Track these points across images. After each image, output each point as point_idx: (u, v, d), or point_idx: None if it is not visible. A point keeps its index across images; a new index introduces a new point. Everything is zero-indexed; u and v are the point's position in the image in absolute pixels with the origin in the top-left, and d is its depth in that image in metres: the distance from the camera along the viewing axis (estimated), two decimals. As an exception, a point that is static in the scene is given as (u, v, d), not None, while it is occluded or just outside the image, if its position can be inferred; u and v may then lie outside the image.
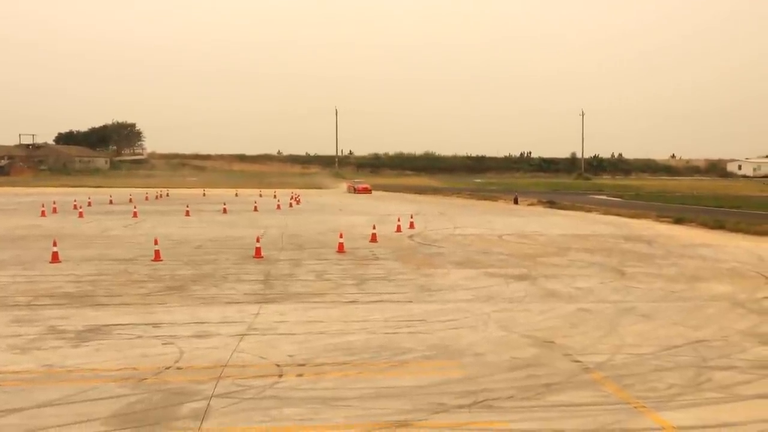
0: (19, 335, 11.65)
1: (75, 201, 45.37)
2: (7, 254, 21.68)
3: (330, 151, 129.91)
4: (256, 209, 42.82)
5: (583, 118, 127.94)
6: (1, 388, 8.98)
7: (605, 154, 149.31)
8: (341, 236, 23.92)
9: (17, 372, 9.65)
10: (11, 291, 15.63)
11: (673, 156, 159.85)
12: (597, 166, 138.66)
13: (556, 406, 8.46)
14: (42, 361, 10.17)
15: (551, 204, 49.01)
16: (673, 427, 7.79)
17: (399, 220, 31.59)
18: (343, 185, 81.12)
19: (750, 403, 8.68)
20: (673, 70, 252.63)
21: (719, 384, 9.38)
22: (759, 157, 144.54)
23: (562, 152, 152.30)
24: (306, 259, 21.31)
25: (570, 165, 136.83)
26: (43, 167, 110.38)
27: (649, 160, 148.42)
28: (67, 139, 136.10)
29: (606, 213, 41.63)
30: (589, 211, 43.45)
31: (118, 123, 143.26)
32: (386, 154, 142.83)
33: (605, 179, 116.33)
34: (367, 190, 68.50)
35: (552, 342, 11.53)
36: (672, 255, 22.69)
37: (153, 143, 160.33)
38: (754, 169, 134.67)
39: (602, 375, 9.74)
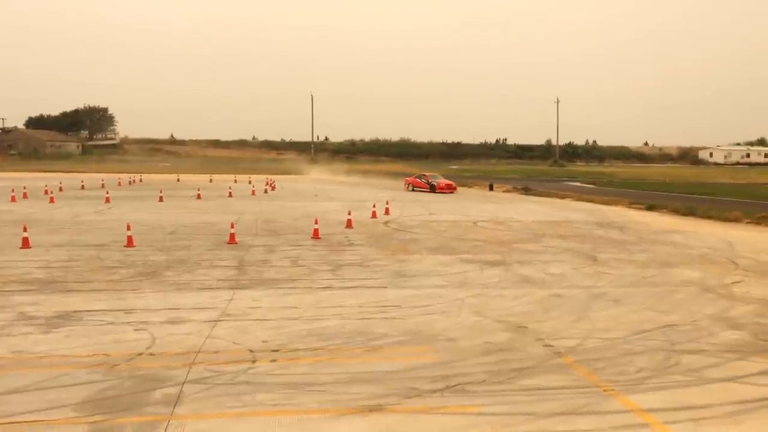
0: (-12, 322, 11.48)
1: (46, 186, 44.71)
2: (-25, 240, 21.30)
3: (306, 137, 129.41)
4: (230, 195, 42.54)
5: (558, 105, 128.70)
6: (-31, 375, 8.85)
7: (580, 141, 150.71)
8: (316, 222, 23.87)
9: (-14, 359, 9.52)
10: (-20, 277, 15.38)
11: (646, 143, 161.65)
12: (572, 153, 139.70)
13: (527, 390, 8.56)
14: (12, 348, 10.03)
15: (526, 191, 49.34)
16: (642, 410, 7.92)
17: (374, 206, 31.59)
18: (313, 171, 79.30)
19: (717, 386, 8.85)
20: (647, 59, 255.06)
21: (687, 367, 9.55)
22: (730, 145, 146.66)
23: (537, 139, 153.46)
24: (281, 245, 21.24)
25: (545, 152, 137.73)
26: (12, 152, 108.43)
27: (622, 147, 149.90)
28: (37, 123, 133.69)
29: (580, 200, 42.04)
30: (563, 197, 43.84)
31: (89, 107, 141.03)
32: (362, 141, 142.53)
33: (579, 166, 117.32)
34: (450, 189, 48.60)
35: (525, 327, 11.64)
36: (644, 241, 22.99)
37: (126, 128, 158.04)
38: (725, 157, 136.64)
39: (573, 359, 9.86)
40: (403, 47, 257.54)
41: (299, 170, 79.22)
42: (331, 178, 69.68)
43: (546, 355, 10.08)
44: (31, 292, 13.86)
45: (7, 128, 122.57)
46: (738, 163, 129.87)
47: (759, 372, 9.40)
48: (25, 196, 38.90)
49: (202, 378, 8.83)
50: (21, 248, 19.48)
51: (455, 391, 8.51)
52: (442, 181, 49.28)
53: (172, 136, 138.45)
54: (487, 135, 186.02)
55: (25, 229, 20.57)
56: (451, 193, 47.73)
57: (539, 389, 8.61)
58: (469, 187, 56.11)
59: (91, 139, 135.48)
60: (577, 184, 60.14)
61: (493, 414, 7.77)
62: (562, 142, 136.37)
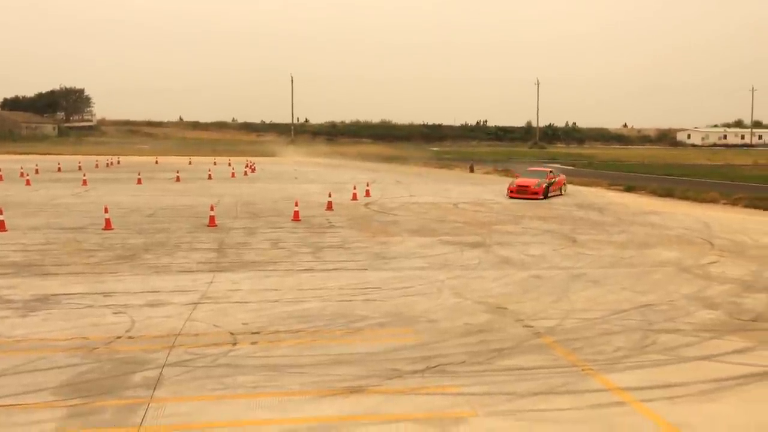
0: (-36, 306, 11.34)
1: (22, 168, 44.08)
2: (-50, 223, 20.97)
3: (286, 118, 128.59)
4: (210, 177, 42.23)
5: (539, 87, 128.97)
6: (-55, 359, 8.75)
7: (560, 123, 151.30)
8: (297, 204, 23.78)
9: (-38, 343, 9.41)
10: (-45, 261, 15.17)
11: (625, 125, 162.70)
12: (552, 135, 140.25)
13: (507, 370, 8.64)
14: (-12, 332, 9.93)
15: (506, 172, 49.47)
16: (619, 389, 8.03)
17: (355, 188, 31.54)
18: (293, 153, 78.18)
19: (693, 364, 8.99)
20: (627, 42, 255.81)
21: (664, 346, 9.68)
22: (707, 127, 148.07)
23: (517, 121, 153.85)
24: (261, 227, 21.16)
25: (525, 134, 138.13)
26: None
27: (602, 129, 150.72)
28: (12, 104, 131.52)
29: (559, 181, 42.19)
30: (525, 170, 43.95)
31: (66, 88, 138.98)
32: (342, 123, 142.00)
33: (559, 148, 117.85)
34: (558, 187, 33.07)
35: (504, 308, 11.73)
36: (622, 222, 23.20)
37: (103, 109, 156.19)
38: (703, 138, 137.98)
39: (552, 339, 9.96)
40: (385, 27, 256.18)
41: (279, 152, 78.77)
42: (312, 160, 69.37)
43: (525, 335, 10.17)
44: (7, 276, 13.70)
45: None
46: (715, 145, 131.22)
47: (734, 350, 9.55)
48: (0, 178, 38.34)
49: (183, 361, 8.80)
50: (-3, 231, 19.23)
51: (435, 371, 8.57)
52: (559, 179, 33.66)
53: (149, 121, 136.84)
54: (468, 117, 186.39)
55: (0, 212, 20.28)
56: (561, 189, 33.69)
57: (518, 369, 8.69)
58: (450, 169, 56.17)
59: (67, 120, 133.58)
60: (557, 165, 60.42)
61: (473, 394, 7.84)
62: (542, 124, 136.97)
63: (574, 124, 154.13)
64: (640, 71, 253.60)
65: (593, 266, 15.55)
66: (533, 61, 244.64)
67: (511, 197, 30.99)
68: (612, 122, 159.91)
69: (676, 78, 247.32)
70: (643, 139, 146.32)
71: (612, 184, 38.65)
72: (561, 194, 32.98)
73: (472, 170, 52.65)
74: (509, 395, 7.82)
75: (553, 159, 72.71)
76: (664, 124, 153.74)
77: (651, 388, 8.08)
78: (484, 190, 36.20)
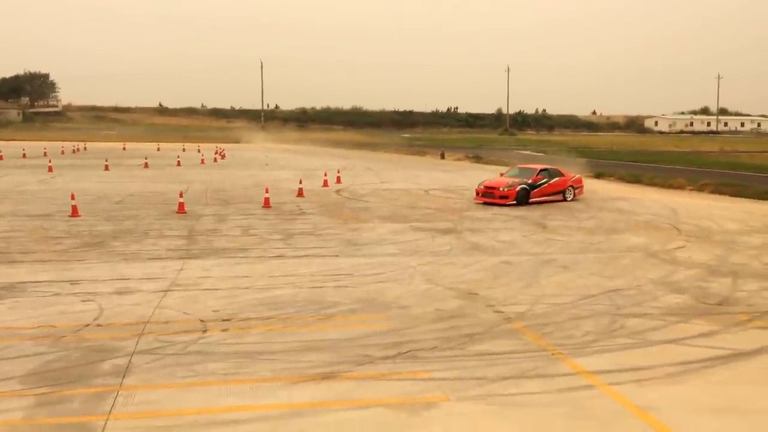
0: (-74, 294, 11.10)
1: (-15, 154, 43.15)
2: None
3: (256, 105, 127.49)
4: (179, 164, 41.75)
5: (509, 74, 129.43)
6: None
7: (530, 110, 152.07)
8: (267, 191, 23.63)
9: (-76, 332, 9.22)
10: None
11: (594, 112, 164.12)
12: (522, 121, 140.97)
13: (478, 355, 8.71)
14: (-49, 321, 9.74)
15: (477, 159, 49.71)
16: (588, 372, 8.15)
17: (326, 175, 31.44)
18: (264, 140, 77.35)
19: (660, 347, 9.15)
20: (596, 29, 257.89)
21: (632, 330, 9.84)
22: (674, 114, 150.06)
23: (488, 108, 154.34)
24: (231, 214, 20.99)
25: (495, 120, 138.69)
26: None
27: (571, 116, 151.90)
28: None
29: (530, 168, 42.48)
30: (513, 165, 44.27)
31: (30, 73, 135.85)
32: (313, 109, 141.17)
33: (530, 135, 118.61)
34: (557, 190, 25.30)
35: (475, 294, 11.81)
36: (591, 208, 23.46)
37: (68, 95, 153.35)
38: (670, 125, 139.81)
39: (522, 324, 10.06)
40: (355, 12, 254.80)
41: (249, 139, 78.13)
42: (282, 146, 68.92)
43: (496, 320, 10.26)
44: (-29, 264, 13.42)
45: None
46: (682, 132, 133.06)
47: (699, 334, 9.74)
48: (-38, 164, 37.50)
49: (152, 348, 8.72)
50: (-41, 219, 18.82)
51: (407, 357, 8.61)
52: (576, 180, 26.11)
53: (116, 106, 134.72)
54: (439, 104, 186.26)
55: (-37, 199, 19.85)
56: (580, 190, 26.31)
57: (489, 354, 8.76)
58: (421, 155, 56.24)
59: (32, 106, 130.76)
60: (528, 152, 60.86)
61: (444, 379, 7.89)
62: (512, 111, 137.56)
63: (544, 111, 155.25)
64: (609, 59, 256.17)
65: (563, 252, 15.71)
66: (504, 48, 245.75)
67: (477, 202, 24.33)
68: (581, 109, 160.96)
69: (644, 66, 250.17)
70: (612, 126, 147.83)
71: (581, 170, 39.01)
72: (565, 199, 24.85)
73: (443, 157, 52.79)
74: (480, 380, 7.90)
75: (523, 145, 73.18)
76: (633, 112, 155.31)
77: (619, 371, 8.21)
78: (455, 176, 36.32)
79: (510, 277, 13.17)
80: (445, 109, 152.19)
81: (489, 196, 24.02)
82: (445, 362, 8.45)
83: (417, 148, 63.15)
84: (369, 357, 8.58)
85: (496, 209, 22.90)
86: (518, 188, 23.91)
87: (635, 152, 60.54)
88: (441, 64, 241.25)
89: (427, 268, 13.80)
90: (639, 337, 9.54)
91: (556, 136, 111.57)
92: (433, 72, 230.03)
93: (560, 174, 25.52)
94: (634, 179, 33.74)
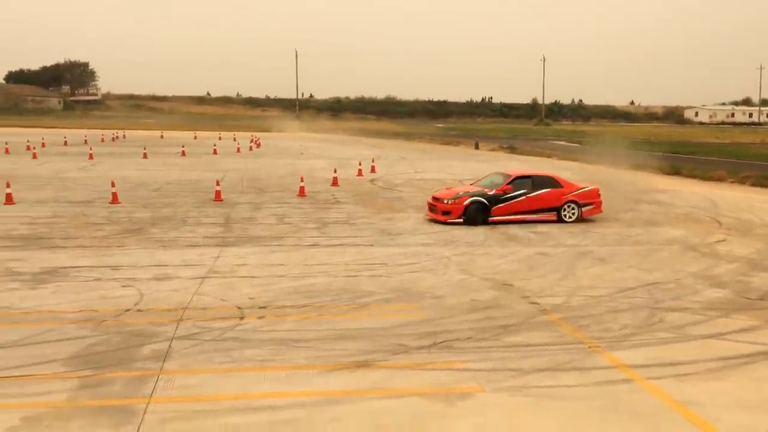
0: (-27, 278, 11.41)
1: (28, 142, 44.06)
2: (-43, 196, 21.05)
3: (290, 94, 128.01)
4: (215, 152, 42.18)
5: (545, 63, 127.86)
6: (-44, 330, 8.83)
7: (565, 100, 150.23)
8: (302, 180, 23.77)
9: (-28, 315, 9.49)
10: (-37, 233, 15.25)
11: (632, 103, 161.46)
12: (557, 112, 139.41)
13: (513, 347, 8.67)
14: (-3, 304, 10.00)
15: (512, 149, 49.32)
16: (625, 366, 8.06)
17: (360, 164, 31.48)
18: (298, 129, 77.39)
19: (699, 342, 9.01)
20: (636, 19, 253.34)
21: (671, 324, 9.69)
22: (715, 104, 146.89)
23: (523, 98, 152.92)
24: (266, 202, 21.17)
25: (530, 110, 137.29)
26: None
27: (608, 106, 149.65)
28: (17, 77, 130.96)
29: (565, 158, 42.08)
30: (549, 156, 43.90)
31: (70, 62, 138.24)
32: (347, 98, 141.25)
33: (565, 125, 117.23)
34: (584, 204, 18.55)
35: (510, 285, 11.74)
36: (629, 200, 23.11)
37: (107, 83, 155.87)
38: (710, 116, 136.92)
39: (558, 316, 9.98)
40: (391, 3, 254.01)
41: (284, 127, 78.52)
42: (316, 135, 69.17)
43: (531, 312, 10.19)
44: (16, 248, 13.77)
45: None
46: (723, 123, 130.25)
47: (740, 329, 9.56)
48: (6, 151, 38.36)
49: (191, 334, 8.86)
50: (4, 204, 19.30)
51: (442, 347, 8.61)
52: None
53: (154, 95, 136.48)
54: (473, 93, 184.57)
55: (8, 185, 20.32)
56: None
57: (524, 346, 8.72)
58: (455, 145, 55.99)
59: (72, 94, 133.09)
60: (563, 142, 60.18)
61: (479, 370, 7.88)
62: (547, 101, 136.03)
63: (580, 101, 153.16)
64: (649, 49, 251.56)
65: (599, 244, 15.53)
66: (540, 37, 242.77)
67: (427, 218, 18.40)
68: (619, 100, 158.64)
69: (684, 56, 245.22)
70: (650, 116, 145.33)
71: (619, 161, 38.45)
72: (561, 219, 18.13)
73: (477, 147, 52.47)
74: (515, 371, 7.86)
75: (558, 136, 72.38)
76: (672, 102, 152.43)
77: (658, 365, 8.10)
78: (490, 167, 36.00)
79: (546, 268, 13.07)
80: (479, 99, 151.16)
81: (433, 211, 18.09)
82: (480, 353, 8.43)
83: (451, 138, 62.86)
84: (404, 346, 8.60)
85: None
86: (468, 201, 17.47)
87: (674, 143, 59.43)
88: (476, 53, 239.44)
89: (461, 258, 13.77)
90: (678, 332, 9.40)
91: (593, 127, 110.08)
92: (468, 61, 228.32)
93: (554, 184, 18.38)
94: (673, 171, 33.16)
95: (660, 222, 18.71)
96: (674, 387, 7.48)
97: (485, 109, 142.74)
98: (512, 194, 17.86)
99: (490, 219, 17.58)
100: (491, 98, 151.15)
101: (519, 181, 18.23)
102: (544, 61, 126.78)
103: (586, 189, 18.77)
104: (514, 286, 11.68)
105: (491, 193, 17.85)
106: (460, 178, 29.66)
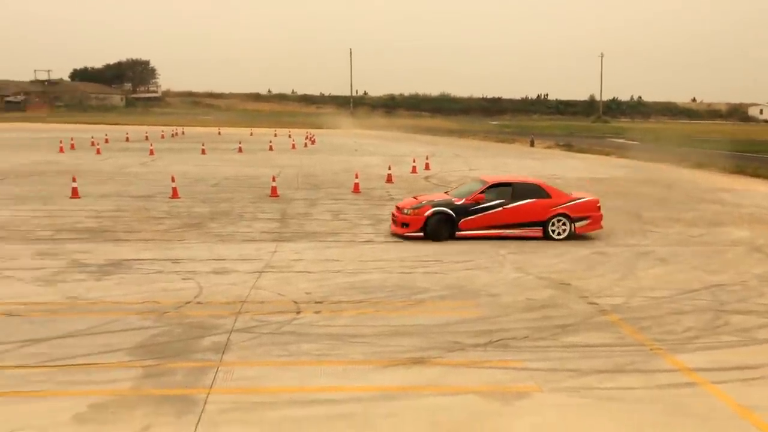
0: (44, 268, 11.85)
1: (92, 138, 45.45)
2: (27, 189, 21.89)
3: (345, 91, 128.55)
4: (271, 149, 42.73)
5: (602, 60, 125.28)
6: (29, 318, 9.18)
7: (624, 96, 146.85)
8: (357, 176, 23.88)
9: (43, 303, 9.85)
10: (33, 225, 15.83)
11: (694, 99, 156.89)
12: (616, 109, 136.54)
13: (571, 347, 8.54)
14: (66, 293, 10.36)
15: (568, 147, 48.56)
16: (689, 369, 7.85)
17: (414, 161, 31.46)
18: (352, 126, 77.24)
19: (766, 346, 8.71)
20: (697, 11, 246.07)
21: (737, 327, 9.40)
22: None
23: (579, 95, 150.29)
24: (322, 198, 21.35)
25: (588, 108, 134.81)
26: (59, 104, 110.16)
27: (669, 103, 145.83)
28: (81, 75, 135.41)
29: (624, 156, 41.21)
30: (607, 154, 43.06)
31: (132, 60, 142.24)
32: (401, 95, 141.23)
33: (624, 122, 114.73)
34: (576, 218, 15.59)
35: (568, 284, 11.57)
36: (691, 199, 22.52)
37: (167, 81, 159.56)
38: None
39: (618, 317, 9.78)
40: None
41: (338, 124, 79.08)
42: (371, 132, 69.42)
43: (590, 312, 10.02)
44: (83, 240, 14.23)
45: (53, 80, 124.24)
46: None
47: (810, 334, 9.21)
48: (72, 147, 39.64)
49: (249, 327, 9.01)
50: (71, 198, 19.96)
51: (498, 345, 8.54)
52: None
53: (211, 92, 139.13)
54: (528, 90, 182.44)
55: (74, 180, 21.01)
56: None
57: (583, 346, 8.58)
58: (510, 143, 55.43)
59: (134, 91, 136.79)
60: (621, 140, 58.92)
61: (537, 369, 7.78)
62: (605, 98, 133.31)
63: (640, 98, 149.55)
64: (711, 44, 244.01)
65: (660, 244, 15.16)
66: (597, 33, 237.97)
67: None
68: (680, 96, 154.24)
69: (749, 52, 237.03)
70: (713, 114, 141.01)
71: (680, 160, 37.47)
72: (547, 236, 15.32)
73: (532, 144, 51.84)
74: (574, 372, 7.74)
75: (616, 134, 70.88)
76: (735, 99, 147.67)
77: (723, 369, 7.87)
78: (545, 165, 35.60)
79: (604, 268, 12.83)
80: (534, 96, 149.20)
81: (394, 223, 15.80)
82: (537, 352, 8.33)
83: (505, 136, 62.26)
84: (459, 344, 8.56)
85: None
86: (430, 212, 15.12)
87: (738, 141, 57.52)
88: (531, 49, 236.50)
89: (516, 256, 13.63)
90: (744, 335, 9.11)
91: (653, 124, 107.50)
92: (523, 58, 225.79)
93: (540, 193, 15.62)
94: (737, 170, 32.09)
95: (724, 222, 18.15)
96: (740, 391, 7.26)
97: (541, 107, 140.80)
98: (485, 204, 15.24)
99: (458, 233, 15.09)
100: (547, 95, 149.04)
101: (495, 189, 15.58)
102: (602, 57, 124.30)
103: (581, 200, 15.80)
104: (572, 285, 11.50)
105: (459, 202, 15.29)
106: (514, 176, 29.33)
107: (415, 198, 16.45)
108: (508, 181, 16.11)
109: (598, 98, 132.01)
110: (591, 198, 16.10)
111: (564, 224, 15.36)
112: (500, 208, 15.23)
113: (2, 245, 13.60)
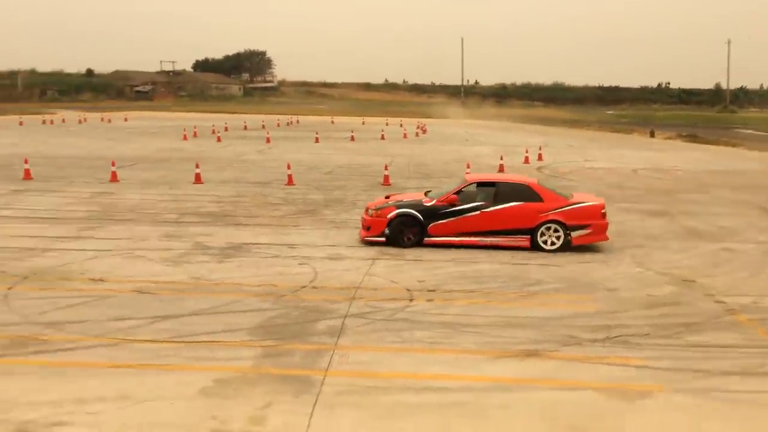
0: (170, 249, 12.52)
1: (213, 126, 47.48)
2: (155, 174, 23.16)
3: (455, 80, 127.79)
4: (383, 137, 43.12)
5: (729, 46, 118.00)
6: (158, 296, 9.73)
7: (753, 85, 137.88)
8: (468, 166, 23.70)
9: (171, 282, 10.42)
10: (160, 208, 16.75)
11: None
12: (743, 98, 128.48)
13: (696, 346, 8.14)
14: (191, 274, 10.90)
15: (692, 138, 46.13)
16: (828, 376, 7.31)
17: (527, 151, 30.87)
18: (463, 115, 76.63)
19: None
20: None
21: None
22: None
23: (704, 83, 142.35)
24: (433, 187, 21.31)
25: (713, 97, 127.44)
26: (182, 93, 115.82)
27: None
28: (203, 66, 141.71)
29: (753, 149, 38.70)
30: (734, 146, 40.61)
31: (250, 51, 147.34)
32: (513, 84, 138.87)
33: (753, 112, 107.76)
34: (572, 226, 13.13)
35: (692, 281, 11.03)
36: (829, 195, 20.90)
37: (282, 71, 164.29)
38: None
39: (748, 317, 9.24)
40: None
41: (448, 114, 78.71)
42: (481, 122, 68.68)
43: (717, 311, 9.51)
44: (206, 224, 14.93)
45: (177, 71, 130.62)
46: None
47: None
48: (195, 135, 41.58)
49: (363, 313, 9.15)
50: (194, 183, 20.96)
51: (616, 342, 8.26)
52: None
53: (324, 82, 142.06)
54: (648, 79, 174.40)
55: (197, 166, 22.04)
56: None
57: (709, 346, 8.16)
58: (627, 133, 53.31)
59: (251, 81, 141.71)
60: (750, 131, 55.40)
61: (658, 368, 7.48)
62: (732, 87, 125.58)
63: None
64: None
65: (795, 242, 14.17)
66: (723, 17, 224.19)
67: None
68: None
69: None
70: None
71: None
72: (535, 245, 12.99)
73: (652, 135, 49.61)
74: (698, 372, 7.39)
75: (745, 124, 66.71)
76: None
77: None
78: (667, 156, 34.02)
79: (732, 265, 12.14)
80: (654, 85, 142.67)
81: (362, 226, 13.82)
82: (659, 350, 7.99)
83: (622, 126, 59.93)
84: (575, 338, 8.35)
85: (715, 191, 21.09)
86: (393, 214, 13.17)
87: None
88: (651, 35, 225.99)
89: (636, 251, 13.11)
90: None
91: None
92: (642, 44, 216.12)
93: (529, 196, 13.34)
94: None
95: None
96: None
97: (661, 96, 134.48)
98: (460, 207, 13.12)
99: (426, 240, 13.08)
100: (668, 84, 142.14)
101: (475, 189, 13.60)
102: (729, 44, 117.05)
103: (579, 205, 13.31)
104: (696, 282, 10.95)
105: (429, 204, 13.26)
106: (633, 167, 28.24)
107: (387, 197, 14.41)
108: (491, 180, 14.07)
109: (724, 87, 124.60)
110: (594, 203, 13.58)
111: (557, 232, 13.01)
112: (478, 212, 13.08)
113: (134, 226, 14.48)
